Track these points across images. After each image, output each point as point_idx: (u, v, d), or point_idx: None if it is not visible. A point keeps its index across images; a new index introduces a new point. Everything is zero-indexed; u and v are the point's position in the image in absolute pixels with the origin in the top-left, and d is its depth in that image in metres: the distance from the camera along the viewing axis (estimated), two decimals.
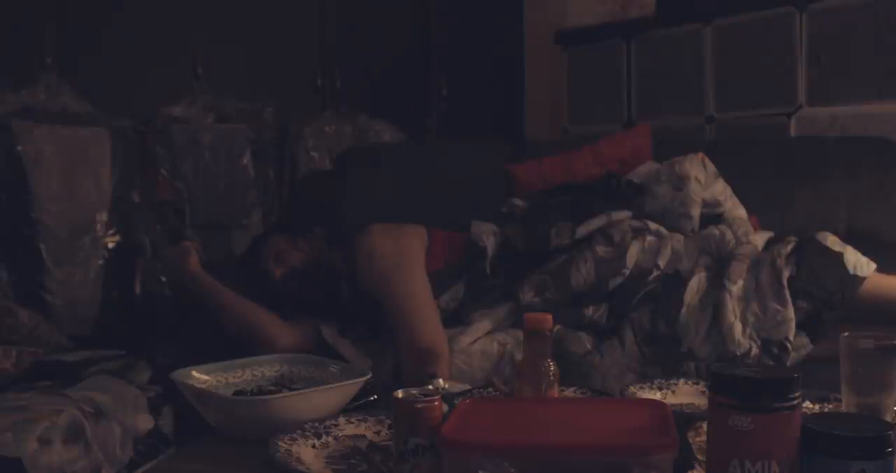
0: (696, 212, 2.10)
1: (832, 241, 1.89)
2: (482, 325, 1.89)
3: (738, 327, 1.78)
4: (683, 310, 1.83)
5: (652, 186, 2.16)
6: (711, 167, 2.18)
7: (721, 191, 2.17)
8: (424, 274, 1.90)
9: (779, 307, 1.79)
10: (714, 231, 1.98)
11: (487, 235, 2.04)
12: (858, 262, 1.85)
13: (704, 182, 2.14)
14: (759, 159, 2.40)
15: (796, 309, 1.79)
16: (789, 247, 1.87)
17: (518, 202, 2.26)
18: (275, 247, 1.97)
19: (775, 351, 1.77)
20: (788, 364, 1.76)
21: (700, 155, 2.19)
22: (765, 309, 1.79)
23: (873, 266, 1.86)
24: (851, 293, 1.82)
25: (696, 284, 1.86)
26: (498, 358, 1.81)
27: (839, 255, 1.86)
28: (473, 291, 1.98)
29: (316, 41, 3.18)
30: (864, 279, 1.83)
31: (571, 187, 2.25)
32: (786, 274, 1.82)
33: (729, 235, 1.96)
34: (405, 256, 1.91)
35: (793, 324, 1.78)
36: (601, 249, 1.93)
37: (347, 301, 1.96)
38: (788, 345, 1.77)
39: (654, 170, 2.22)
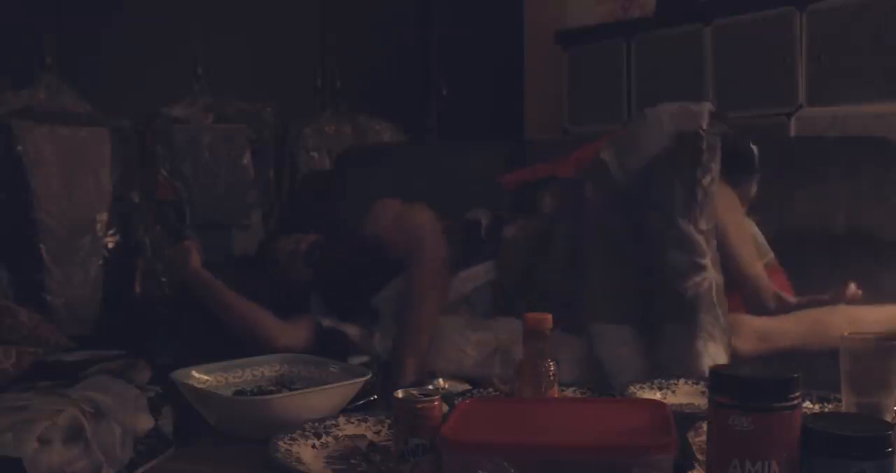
0: None
1: None
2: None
3: None
4: None
5: None
6: None
7: None
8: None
9: None
10: None
11: (482, 215, 2.08)
12: None
13: None
14: (759, 159, 2.39)
15: None
16: None
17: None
18: (289, 237, 2.09)
19: None
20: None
21: None
22: None
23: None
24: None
25: None
26: (491, 350, 1.80)
27: None
28: (466, 257, 2.01)
29: (316, 41, 3.18)
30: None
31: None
32: None
33: None
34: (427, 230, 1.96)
35: None
36: None
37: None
38: None
39: None
